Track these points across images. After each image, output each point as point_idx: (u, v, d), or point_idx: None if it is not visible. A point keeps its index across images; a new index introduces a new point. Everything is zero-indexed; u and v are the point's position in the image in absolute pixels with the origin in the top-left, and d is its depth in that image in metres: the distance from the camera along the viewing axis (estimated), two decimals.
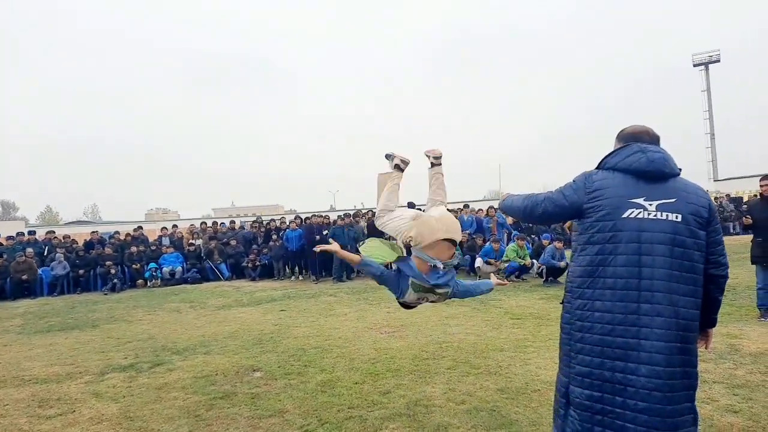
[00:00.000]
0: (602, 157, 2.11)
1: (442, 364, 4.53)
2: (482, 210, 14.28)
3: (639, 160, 1.98)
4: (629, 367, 1.85)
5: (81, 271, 12.63)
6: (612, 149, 2.11)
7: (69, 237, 14.69)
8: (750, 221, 5.65)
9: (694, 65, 42.89)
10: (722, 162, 41.28)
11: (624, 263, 1.90)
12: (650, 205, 1.93)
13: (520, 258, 10.05)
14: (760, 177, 5.78)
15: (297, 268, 13.16)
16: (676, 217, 1.91)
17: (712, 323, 2.09)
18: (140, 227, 15.31)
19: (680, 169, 2.06)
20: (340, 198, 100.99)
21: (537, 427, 3.08)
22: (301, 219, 13.28)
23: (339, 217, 12.76)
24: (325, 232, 11.95)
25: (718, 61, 42.25)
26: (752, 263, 5.74)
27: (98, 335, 6.78)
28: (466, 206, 13.75)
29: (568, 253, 7.63)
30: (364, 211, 13.91)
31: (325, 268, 12.16)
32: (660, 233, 1.89)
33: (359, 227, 12.38)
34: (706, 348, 2.14)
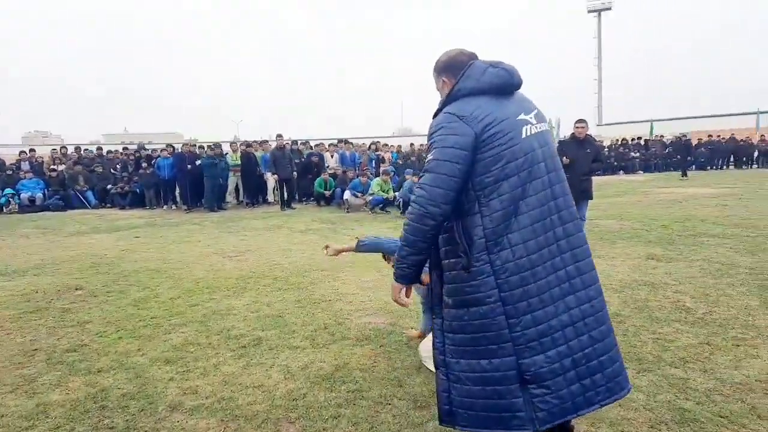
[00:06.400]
0: (449, 91, 1.69)
1: (261, 282, 4.99)
2: (364, 144, 14.77)
3: (498, 75, 1.65)
4: (575, 296, 1.65)
5: None
6: (456, 79, 1.69)
7: None
8: (568, 161, 5.93)
9: (588, 11, 45.58)
10: (607, 107, 45.12)
11: (541, 187, 1.62)
12: (531, 117, 1.66)
13: (383, 192, 10.72)
14: (577, 120, 6.33)
15: (171, 196, 12.95)
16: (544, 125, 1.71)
17: None
18: None
19: None
20: (243, 128, 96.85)
21: (306, 327, 3.63)
22: (173, 147, 12.92)
23: (209, 147, 12.58)
24: (197, 162, 11.82)
25: (610, 8, 45.18)
26: None
27: None
28: (344, 141, 14.07)
29: None
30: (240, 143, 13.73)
31: (199, 196, 12.11)
32: (547, 146, 1.67)
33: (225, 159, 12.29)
34: None
